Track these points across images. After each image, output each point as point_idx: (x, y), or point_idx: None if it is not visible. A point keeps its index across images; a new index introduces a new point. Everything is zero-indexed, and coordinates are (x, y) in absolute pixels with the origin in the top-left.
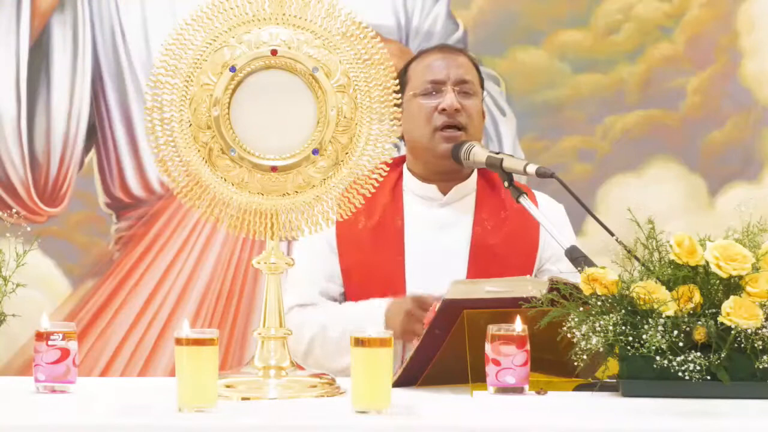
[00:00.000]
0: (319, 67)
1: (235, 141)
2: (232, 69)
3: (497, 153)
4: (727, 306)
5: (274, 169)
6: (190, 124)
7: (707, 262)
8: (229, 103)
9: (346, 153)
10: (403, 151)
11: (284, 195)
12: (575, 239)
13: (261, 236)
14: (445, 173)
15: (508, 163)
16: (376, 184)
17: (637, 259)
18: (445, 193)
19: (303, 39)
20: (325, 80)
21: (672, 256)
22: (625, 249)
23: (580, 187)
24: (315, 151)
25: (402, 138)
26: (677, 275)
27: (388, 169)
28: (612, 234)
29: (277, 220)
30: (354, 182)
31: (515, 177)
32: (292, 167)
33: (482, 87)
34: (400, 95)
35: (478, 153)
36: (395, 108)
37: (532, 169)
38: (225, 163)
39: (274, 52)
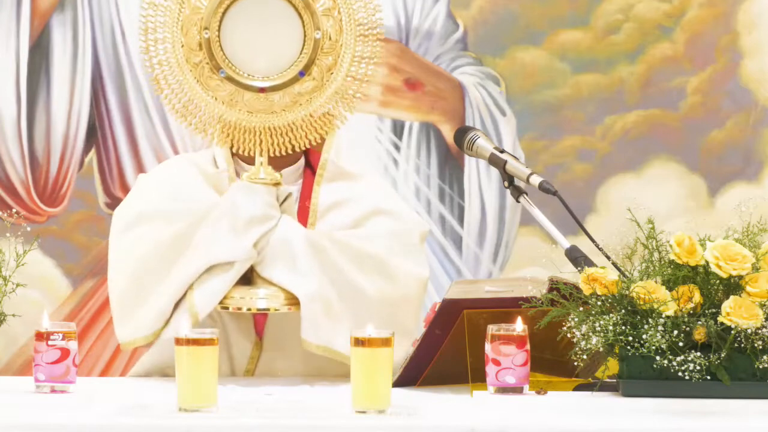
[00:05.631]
0: None
1: (225, 62)
2: None
3: (501, 151)
4: (727, 306)
5: (262, 90)
6: (183, 46)
7: (707, 262)
8: (219, 26)
9: (331, 73)
10: None
11: (272, 113)
12: None
13: (250, 151)
14: None
15: (511, 167)
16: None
17: (625, 275)
18: None
19: None
20: (311, 3)
21: (672, 256)
22: (617, 268)
23: (580, 187)
24: (301, 73)
25: None
26: (677, 275)
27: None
28: (608, 257)
29: (265, 136)
30: (340, 100)
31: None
32: (279, 87)
33: None
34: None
35: (483, 146)
36: (379, 29)
37: (535, 180)
38: (215, 83)
39: None
